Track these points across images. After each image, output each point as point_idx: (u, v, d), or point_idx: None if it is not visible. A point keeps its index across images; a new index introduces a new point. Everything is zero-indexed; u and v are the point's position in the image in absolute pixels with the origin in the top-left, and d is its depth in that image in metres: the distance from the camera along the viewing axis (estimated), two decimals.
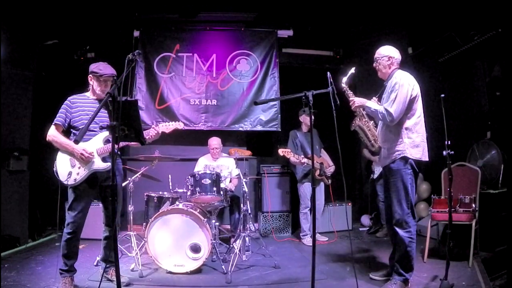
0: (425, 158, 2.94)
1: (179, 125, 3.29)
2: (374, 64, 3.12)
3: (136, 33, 5.44)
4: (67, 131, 2.98)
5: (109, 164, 2.96)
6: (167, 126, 3.22)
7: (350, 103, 3.06)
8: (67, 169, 2.91)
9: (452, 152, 2.90)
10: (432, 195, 3.97)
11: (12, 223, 4.30)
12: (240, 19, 5.59)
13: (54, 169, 2.95)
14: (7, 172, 4.31)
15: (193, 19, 5.45)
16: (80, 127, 2.91)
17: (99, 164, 2.94)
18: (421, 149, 2.91)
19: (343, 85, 3.06)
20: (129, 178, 3.84)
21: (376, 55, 3.10)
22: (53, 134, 2.92)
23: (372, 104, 2.99)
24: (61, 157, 2.95)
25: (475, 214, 3.60)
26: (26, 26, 4.54)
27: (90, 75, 3.01)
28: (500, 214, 3.66)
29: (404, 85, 2.85)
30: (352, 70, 3.05)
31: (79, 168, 2.90)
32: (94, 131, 2.96)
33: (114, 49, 5.32)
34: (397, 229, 2.91)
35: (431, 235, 3.84)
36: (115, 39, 5.44)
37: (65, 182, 2.90)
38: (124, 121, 2.11)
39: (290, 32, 5.71)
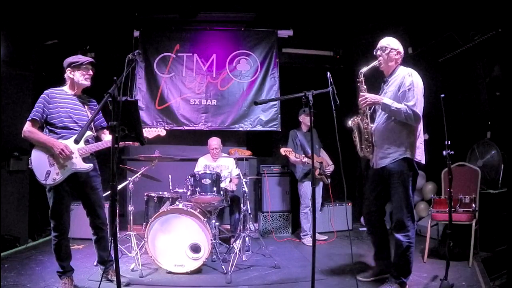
0: (423, 160, 2.90)
1: (162, 132, 3.29)
2: (378, 53, 2.94)
3: (136, 33, 5.43)
4: (40, 127, 2.88)
5: (91, 165, 2.92)
6: (149, 132, 3.21)
7: (361, 98, 2.87)
8: (45, 168, 2.80)
9: (452, 152, 2.89)
10: (432, 195, 3.98)
11: (12, 223, 4.30)
12: (240, 19, 5.58)
13: (30, 166, 2.82)
14: (7, 172, 4.31)
15: (193, 19, 5.44)
16: (59, 124, 2.85)
17: (80, 165, 2.87)
18: (421, 151, 2.89)
19: (360, 75, 2.93)
20: (129, 178, 3.84)
21: (385, 45, 2.93)
22: (29, 130, 2.80)
23: (391, 101, 2.79)
24: (38, 154, 2.82)
25: (475, 214, 3.60)
26: (26, 26, 4.54)
27: (69, 68, 2.94)
28: (500, 214, 3.66)
29: (419, 83, 2.80)
30: (376, 63, 2.92)
31: (59, 167, 2.81)
32: (75, 129, 2.89)
33: (114, 49, 5.32)
34: (395, 233, 2.88)
35: (431, 235, 3.84)
36: (115, 39, 5.44)
37: (43, 182, 2.80)
38: (124, 121, 2.11)
39: (290, 32, 5.71)
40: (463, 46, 4.45)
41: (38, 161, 2.82)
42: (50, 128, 2.88)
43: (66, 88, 3.01)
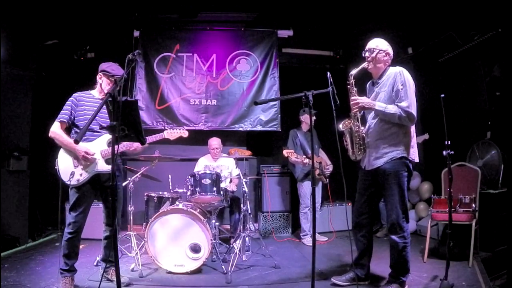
0: (417, 159, 2.89)
1: (184, 133, 3.37)
2: (367, 54, 2.88)
3: (136, 33, 5.43)
4: (68, 129, 2.96)
5: None
6: (172, 134, 3.27)
7: (352, 102, 2.85)
8: (69, 169, 2.89)
9: (452, 152, 2.89)
10: (432, 195, 3.98)
11: (12, 223, 4.30)
12: (240, 19, 5.59)
13: (56, 167, 2.92)
14: (7, 172, 4.31)
15: (193, 19, 5.45)
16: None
17: (103, 166, 2.94)
18: (414, 150, 2.88)
19: (350, 78, 2.87)
20: (129, 178, 3.84)
21: (374, 46, 2.88)
22: (56, 131, 2.89)
23: (384, 105, 2.76)
24: (64, 156, 2.92)
25: (475, 214, 3.61)
26: (26, 26, 4.54)
27: (101, 74, 3.00)
28: (500, 214, 3.66)
29: (411, 82, 2.78)
30: (365, 65, 2.88)
31: (82, 169, 2.89)
32: (99, 132, 2.95)
33: (114, 49, 5.32)
34: (390, 235, 2.86)
35: (431, 235, 3.84)
36: (115, 39, 5.44)
37: (68, 182, 2.89)
38: (124, 121, 2.11)
39: (290, 32, 5.71)
40: (463, 46, 4.45)
41: (64, 162, 2.91)
42: (76, 130, 2.95)
43: (94, 92, 3.08)
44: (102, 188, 3.02)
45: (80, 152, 2.84)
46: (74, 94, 2.99)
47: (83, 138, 2.90)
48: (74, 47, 5.39)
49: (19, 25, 4.47)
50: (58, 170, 2.91)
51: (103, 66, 3.02)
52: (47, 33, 4.96)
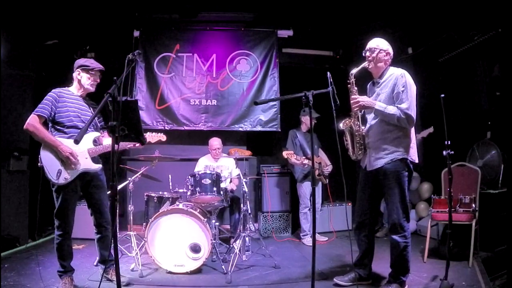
0: (417, 160, 2.90)
1: (163, 138, 3.35)
2: (367, 54, 2.88)
3: (136, 33, 5.43)
4: (44, 124, 2.85)
5: (100, 165, 2.97)
6: (152, 137, 3.26)
7: (353, 101, 2.85)
8: (56, 167, 2.79)
9: (452, 152, 2.89)
10: (432, 195, 3.98)
11: (12, 223, 4.30)
12: (240, 19, 5.59)
13: (40, 164, 2.80)
14: (7, 172, 4.31)
15: (193, 19, 5.45)
16: (67, 124, 2.85)
17: (90, 165, 2.91)
18: (414, 151, 2.88)
19: (351, 77, 2.87)
20: (129, 178, 3.84)
21: (374, 46, 2.88)
22: (36, 125, 2.75)
23: (384, 106, 2.77)
24: (47, 154, 2.81)
25: (475, 214, 3.61)
26: (26, 26, 4.54)
27: (79, 70, 2.96)
28: (500, 214, 3.66)
29: (413, 85, 2.78)
30: (365, 64, 2.88)
31: (68, 167, 2.81)
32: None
33: (114, 49, 5.31)
34: (391, 235, 2.86)
35: (431, 235, 3.84)
36: (115, 39, 5.44)
37: (55, 181, 2.79)
38: (124, 121, 2.11)
39: (290, 32, 5.72)
40: (463, 46, 4.45)
41: (49, 160, 2.80)
42: (58, 127, 2.86)
43: (72, 89, 3.02)
44: (86, 186, 2.97)
45: (65, 152, 2.75)
46: (53, 90, 2.90)
47: (69, 135, 2.84)
48: (74, 47, 5.38)
49: (19, 25, 4.46)
50: (43, 168, 2.79)
51: (80, 62, 2.98)
52: (47, 33, 4.94)
